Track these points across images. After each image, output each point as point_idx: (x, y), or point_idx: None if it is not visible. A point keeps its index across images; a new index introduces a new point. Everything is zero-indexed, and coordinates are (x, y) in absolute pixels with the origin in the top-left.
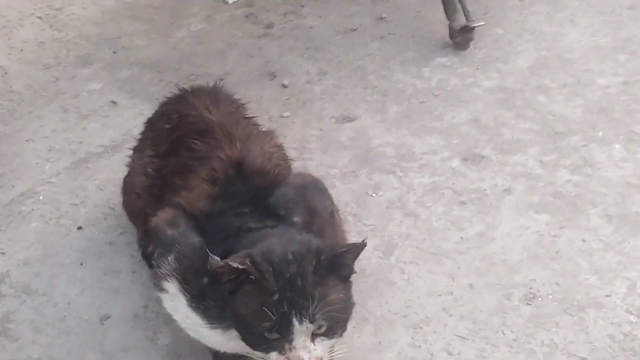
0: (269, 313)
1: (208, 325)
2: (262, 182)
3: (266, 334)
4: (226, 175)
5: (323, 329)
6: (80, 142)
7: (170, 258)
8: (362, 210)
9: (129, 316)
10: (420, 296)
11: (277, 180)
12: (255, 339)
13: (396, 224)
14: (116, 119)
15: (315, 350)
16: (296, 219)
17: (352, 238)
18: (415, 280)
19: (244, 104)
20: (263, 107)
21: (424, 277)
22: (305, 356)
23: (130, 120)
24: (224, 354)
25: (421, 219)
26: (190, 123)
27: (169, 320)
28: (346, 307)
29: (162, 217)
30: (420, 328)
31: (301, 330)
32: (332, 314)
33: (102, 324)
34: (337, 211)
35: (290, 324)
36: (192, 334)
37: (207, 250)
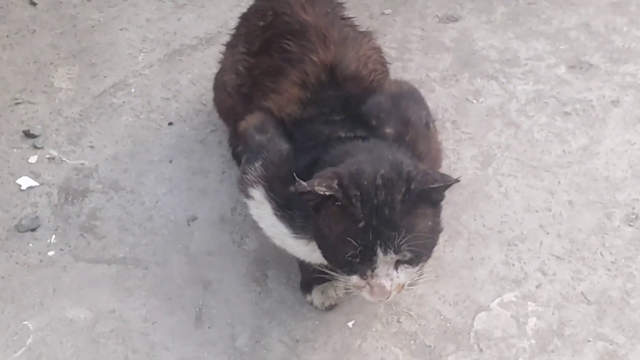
0: (353, 242)
1: (293, 235)
2: (355, 88)
3: (348, 258)
4: (318, 80)
5: (407, 258)
6: (175, 33)
7: (258, 164)
8: (461, 117)
9: (216, 219)
10: (516, 211)
11: (371, 87)
12: (337, 261)
13: (496, 133)
14: (212, 9)
15: (398, 277)
16: (388, 130)
17: (450, 146)
18: (513, 194)
19: (342, 3)
20: (364, 2)
21: (522, 191)
22: (387, 284)
23: (227, 12)
24: (310, 264)
25: (522, 129)
26: (284, 22)
27: (256, 225)
28: (433, 235)
29: (250, 122)
30: (515, 245)
31: (385, 260)
32: (418, 244)
33: (189, 225)
34: (433, 121)
35: (374, 254)
36: (278, 242)
37: (295, 175)
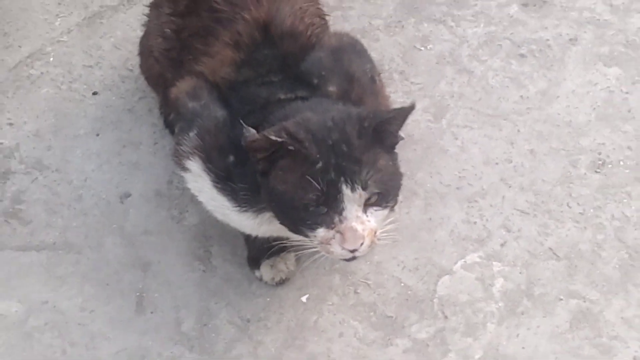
0: (314, 182)
1: (236, 208)
2: (292, 46)
3: (311, 208)
4: (252, 40)
5: (375, 198)
6: None
7: (192, 134)
8: (409, 66)
9: (152, 194)
10: (475, 165)
11: (309, 43)
12: (298, 218)
13: (448, 82)
14: None
15: (369, 221)
16: (331, 88)
17: (399, 99)
18: (470, 147)
19: None
20: None
21: (480, 143)
22: (359, 227)
23: None
24: (256, 238)
25: (476, 76)
26: None
27: (195, 199)
28: (395, 176)
29: (182, 88)
30: (476, 202)
31: (353, 198)
32: (384, 180)
33: (122, 203)
34: (379, 75)
35: (339, 191)
36: (220, 216)
37: (241, 121)
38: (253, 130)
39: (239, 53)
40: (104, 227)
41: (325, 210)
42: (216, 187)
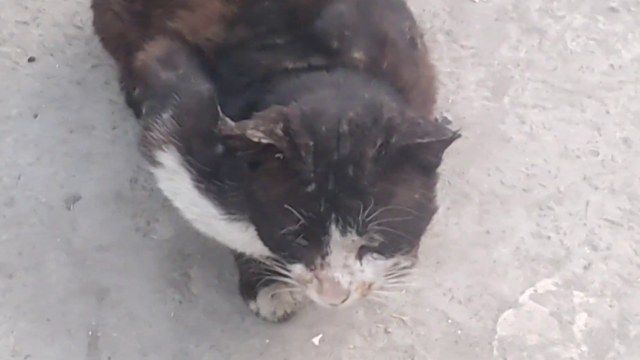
0: (295, 212)
1: (224, 216)
2: None
3: (289, 237)
4: None
5: (376, 243)
6: None
7: (166, 116)
8: (458, 24)
9: (109, 196)
10: (548, 159)
11: None
12: (275, 243)
13: (511, 46)
14: None
15: (362, 272)
16: (357, 54)
17: (445, 68)
18: (542, 134)
19: None
20: None
21: (555, 129)
22: (344, 279)
23: None
24: (251, 257)
25: (549, 37)
26: None
27: (169, 204)
28: (421, 213)
29: (152, 53)
30: (550, 209)
31: (342, 243)
32: (397, 224)
33: (69, 208)
34: (421, 36)
35: (325, 232)
36: (203, 228)
37: (219, 107)
38: (229, 122)
39: (230, 5)
40: (45, 241)
41: (307, 244)
42: (198, 187)
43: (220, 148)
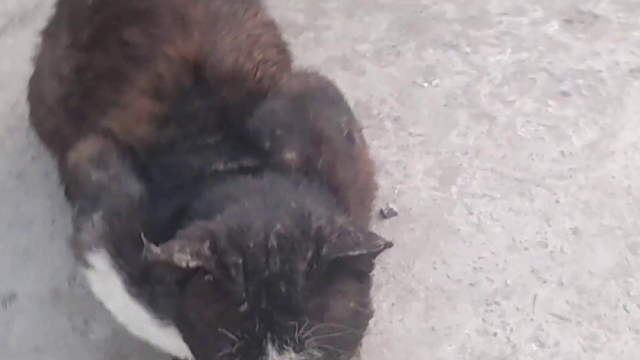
0: (230, 335)
1: (157, 321)
2: (235, 93)
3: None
4: (178, 85)
5: (315, 359)
6: None
7: (97, 217)
8: (406, 110)
9: (46, 295)
10: (496, 251)
11: (261, 88)
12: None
13: (460, 133)
14: None
15: None
16: (289, 154)
17: (391, 157)
18: (489, 225)
19: None
20: None
21: (503, 220)
22: None
23: None
24: None
25: (499, 123)
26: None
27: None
28: (357, 322)
29: (84, 152)
30: (496, 304)
31: None
32: (334, 337)
33: (5, 307)
34: (360, 130)
35: (262, 352)
36: (136, 331)
37: (142, 234)
38: (155, 249)
39: (161, 104)
40: None
41: None
42: (130, 291)
43: (142, 256)
